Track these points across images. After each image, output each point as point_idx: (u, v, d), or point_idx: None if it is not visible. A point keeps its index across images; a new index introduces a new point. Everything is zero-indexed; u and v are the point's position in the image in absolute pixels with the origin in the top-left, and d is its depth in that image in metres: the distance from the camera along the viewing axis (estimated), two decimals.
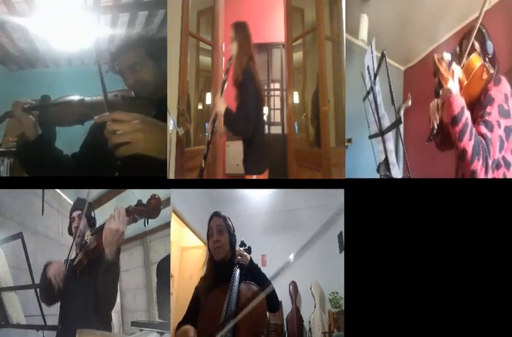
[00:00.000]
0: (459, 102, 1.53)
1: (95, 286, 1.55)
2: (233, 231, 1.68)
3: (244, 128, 2.25)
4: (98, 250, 1.53)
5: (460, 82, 1.59)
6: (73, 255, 1.80)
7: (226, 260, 1.62)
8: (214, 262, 1.63)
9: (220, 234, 1.64)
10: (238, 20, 2.48)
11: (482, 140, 1.55)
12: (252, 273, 1.59)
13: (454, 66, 1.53)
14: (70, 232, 1.84)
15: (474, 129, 1.54)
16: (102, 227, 1.53)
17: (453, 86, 1.53)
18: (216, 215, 1.70)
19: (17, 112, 1.60)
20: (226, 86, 2.29)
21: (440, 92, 1.55)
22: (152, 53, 1.73)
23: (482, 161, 1.52)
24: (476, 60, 1.63)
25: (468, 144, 1.51)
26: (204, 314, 1.48)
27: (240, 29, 2.39)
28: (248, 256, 1.62)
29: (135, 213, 1.52)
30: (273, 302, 1.53)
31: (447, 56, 1.55)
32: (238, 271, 1.54)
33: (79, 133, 1.73)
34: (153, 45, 1.76)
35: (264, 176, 2.48)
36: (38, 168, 1.66)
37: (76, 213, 1.81)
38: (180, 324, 1.53)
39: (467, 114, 1.54)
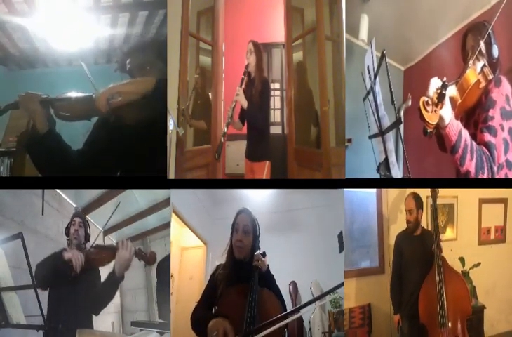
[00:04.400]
0: (455, 129, 1.50)
1: (87, 293, 1.80)
2: (259, 236, 1.68)
3: (263, 122, 2.87)
4: (96, 263, 1.86)
5: (454, 101, 1.57)
6: None
7: (245, 261, 1.62)
8: (234, 257, 1.64)
9: (245, 235, 1.64)
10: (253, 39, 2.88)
11: (485, 150, 1.54)
12: (267, 281, 1.59)
13: (448, 89, 1.49)
14: (67, 233, 1.96)
15: (474, 145, 1.52)
16: (105, 246, 1.92)
17: (445, 114, 1.49)
18: (244, 212, 1.69)
19: (33, 105, 1.57)
20: (244, 83, 2.82)
21: (428, 131, 1.53)
22: (163, 55, 1.78)
23: (487, 173, 1.52)
24: (472, 76, 1.61)
25: (470, 165, 1.51)
26: (222, 315, 1.46)
27: (257, 47, 2.83)
28: (266, 263, 1.61)
29: (139, 256, 1.90)
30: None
31: (436, 84, 1.49)
32: (257, 276, 1.54)
33: (80, 130, 1.73)
34: (164, 48, 1.81)
35: (266, 167, 2.80)
36: (48, 162, 1.63)
37: (77, 219, 1.96)
38: (196, 310, 1.55)
39: (465, 135, 1.52)
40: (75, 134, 1.72)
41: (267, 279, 1.60)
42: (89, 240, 1.97)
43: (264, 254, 1.64)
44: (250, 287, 1.49)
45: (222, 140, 2.73)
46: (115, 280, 1.83)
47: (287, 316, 1.36)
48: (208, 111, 3.27)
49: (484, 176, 1.52)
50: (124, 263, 1.82)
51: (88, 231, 1.98)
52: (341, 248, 2.65)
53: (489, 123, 1.56)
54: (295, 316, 1.42)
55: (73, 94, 1.63)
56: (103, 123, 1.64)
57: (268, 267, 1.62)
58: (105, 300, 1.87)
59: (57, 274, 1.74)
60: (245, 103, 2.76)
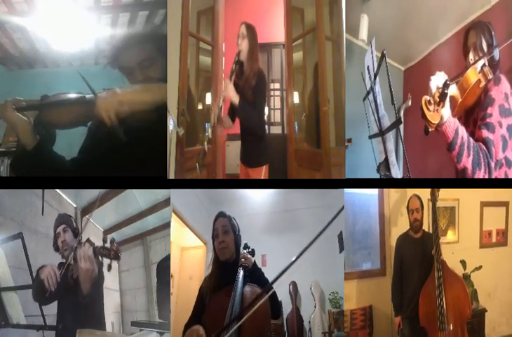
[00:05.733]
0: (452, 126, 1.51)
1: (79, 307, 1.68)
2: (239, 231, 1.70)
3: (257, 121, 2.40)
4: (82, 279, 1.69)
5: (454, 100, 1.58)
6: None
7: (231, 261, 1.63)
8: (219, 262, 1.64)
9: (225, 235, 1.65)
10: (245, 21, 2.49)
11: (482, 146, 1.54)
12: (255, 276, 1.59)
13: (450, 88, 1.49)
14: (56, 248, 1.88)
15: (471, 142, 1.53)
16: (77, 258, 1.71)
17: (444, 112, 1.49)
18: (221, 215, 1.71)
19: (8, 114, 1.36)
20: (234, 75, 2.36)
21: (430, 130, 1.53)
22: (163, 48, 1.61)
23: (484, 169, 1.52)
24: (472, 76, 1.61)
25: (467, 161, 1.51)
26: (208, 315, 1.48)
27: (251, 30, 2.42)
28: (252, 259, 1.62)
29: (100, 254, 1.71)
30: (275, 308, 1.53)
31: (438, 81, 1.49)
32: (241, 273, 1.55)
33: (80, 135, 1.62)
34: (163, 40, 1.66)
35: (263, 173, 2.49)
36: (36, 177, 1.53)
37: (60, 228, 1.86)
38: (187, 325, 1.53)
39: (461, 132, 1.52)
40: (73, 136, 1.61)
41: (255, 274, 1.59)
42: (79, 235, 1.86)
43: (252, 252, 1.65)
44: (234, 286, 1.49)
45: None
46: (85, 297, 1.66)
47: (262, 295, 1.35)
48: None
49: (481, 172, 1.52)
50: (85, 276, 1.66)
51: (75, 228, 1.89)
52: (341, 248, 2.65)
53: (488, 120, 1.56)
54: (270, 292, 1.39)
55: (64, 96, 1.46)
56: (99, 126, 1.47)
57: (254, 263, 1.61)
58: (95, 314, 1.76)
59: (40, 290, 1.68)
60: (236, 98, 2.27)
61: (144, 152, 1.51)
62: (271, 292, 1.39)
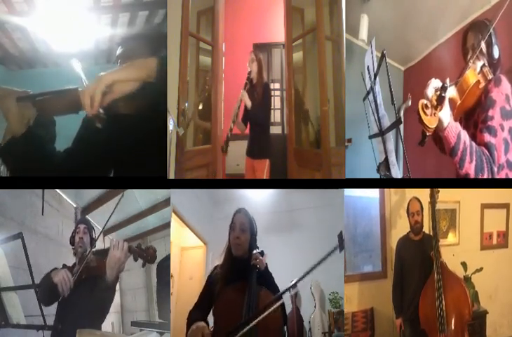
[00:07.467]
0: (454, 131, 1.48)
1: (88, 301, 1.70)
2: (256, 234, 1.69)
3: (264, 120, 3.16)
4: (99, 270, 1.74)
5: (453, 102, 1.56)
6: (71, 262, 1.86)
7: (243, 258, 1.63)
8: (232, 256, 1.65)
9: (242, 232, 1.65)
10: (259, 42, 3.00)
11: (484, 151, 1.52)
12: (265, 279, 1.60)
13: (448, 90, 1.46)
14: (72, 242, 1.91)
15: (474, 147, 1.51)
16: (105, 250, 1.77)
17: (444, 116, 1.47)
18: (241, 212, 1.71)
19: (8, 103, 1.39)
20: (247, 87, 3.08)
21: (427, 135, 1.50)
22: (149, 43, 1.63)
23: (487, 174, 1.50)
24: (471, 77, 1.59)
25: (469, 167, 1.49)
26: (220, 310, 1.48)
27: (258, 57, 3.09)
28: (264, 261, 1.62)
29: (135, 253, 1.75)
30: (283, 315, 1.54)
31: (436, 84, 1.46)
32: (255, 274, 1.55)
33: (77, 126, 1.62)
34: (152, 37, 1.72)
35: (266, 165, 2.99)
36: (25, 168, 1.46)
37: (81, 225, 1.91)
38: (192, 313, 1.54)
39: (464, 137, 1.50)
40: (70, 131, 1.61)
41: (266, 278, 1.60)
42: (95, 246, 1.90)
43: (262, 253, 1.64)
44: (248, 286, 1.50)
45: (229, 135, 3.05)
46: (107, 284, 1.70)
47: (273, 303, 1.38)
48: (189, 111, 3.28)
49: (484, 178, 1.51)
50: (115, 265, 1.68)
51: (94, 236, 1.93)
52: (341, 247, 2.64)
53: (489, 123, 1.54)
54: (279, 303, 1.43)
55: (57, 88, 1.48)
56: (93, 116, 1.44)
57: (266, 266, 1.62)
58: (103, 306, 1.78)
59: (50, 294, 1.69)
60: (249, 103, 3.02)
61: (144, 151, 1.51)
62: (280, 302, 1.44)
